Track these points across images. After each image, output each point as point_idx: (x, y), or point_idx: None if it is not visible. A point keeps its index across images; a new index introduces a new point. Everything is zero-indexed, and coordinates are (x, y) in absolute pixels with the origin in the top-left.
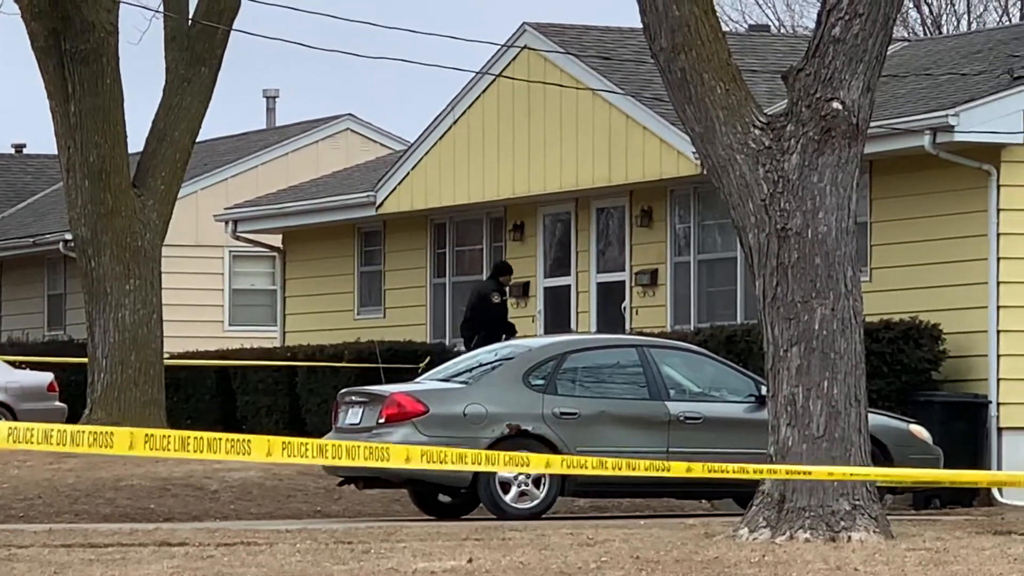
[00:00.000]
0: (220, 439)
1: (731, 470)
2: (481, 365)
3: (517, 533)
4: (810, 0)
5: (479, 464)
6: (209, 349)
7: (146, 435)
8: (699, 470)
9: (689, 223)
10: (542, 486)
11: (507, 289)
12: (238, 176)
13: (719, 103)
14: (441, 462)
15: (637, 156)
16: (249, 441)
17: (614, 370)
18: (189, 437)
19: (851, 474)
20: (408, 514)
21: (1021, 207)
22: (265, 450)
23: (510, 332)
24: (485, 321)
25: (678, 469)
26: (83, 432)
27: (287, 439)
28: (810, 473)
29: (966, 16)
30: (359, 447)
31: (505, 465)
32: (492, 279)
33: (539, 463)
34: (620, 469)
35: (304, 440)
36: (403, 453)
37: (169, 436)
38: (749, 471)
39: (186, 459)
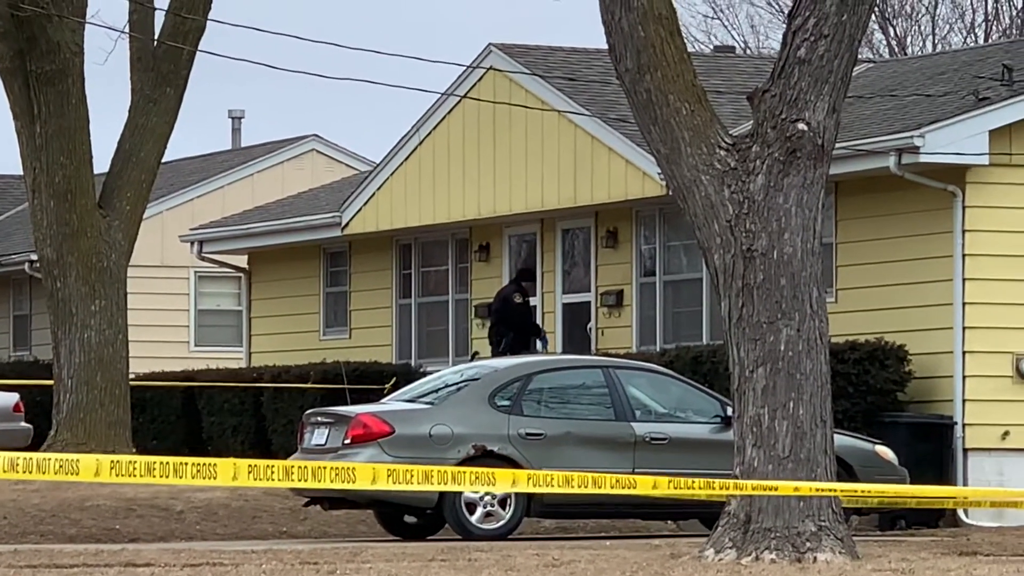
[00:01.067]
0: (186, 464)
1: (697, 486)
2: (447, 386)
3: (483, 554)
4: (775, 21)
5: (445, 483)
6: (175, 370)
7: (112, 461)
8: (665, 485)
9: (655, 244)
10: (508, 507)
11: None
12: (204, 197)
13: (684, 124)
14: (407, 482)
15: (603, 177)
16: (215, 465)
17: (580, 391)
18: (155, 462)
19: (817, 489)
20: (374, 535)
21: (986, 228)
22: (231, 474)
23: (537, 332)
24: (510, 323)
25: (644, 485)
26: (49, 460)
27: (253, 462)
28: (776, 488)
29: (931, 38)
30: (325, 468)
31: (471, 484)
32: (514, 283)
33: (505, 480)
34: (586, 486)
35: (270, 462)
36: (369, 473)
37: (135, 462)
38: (715, 486)
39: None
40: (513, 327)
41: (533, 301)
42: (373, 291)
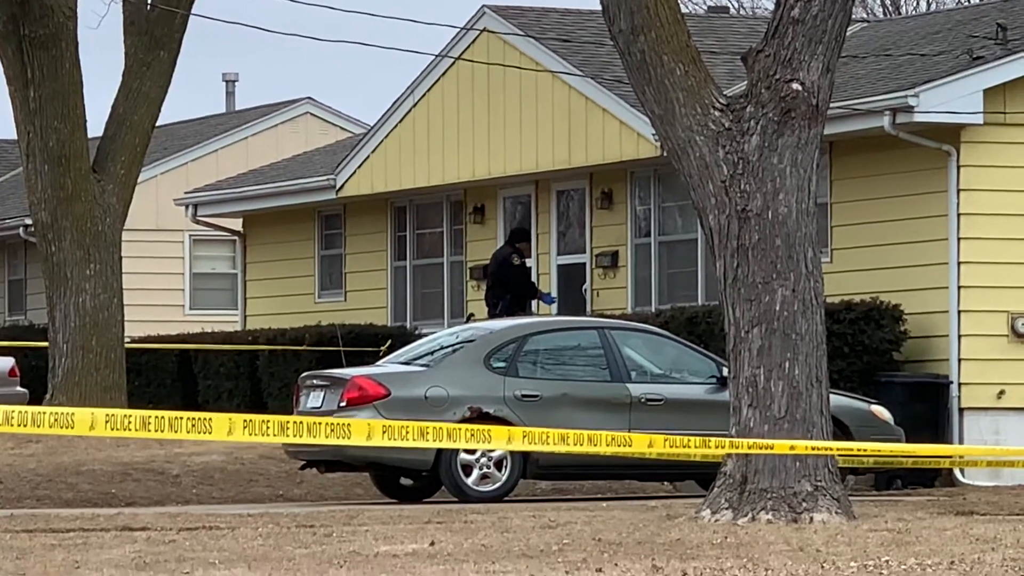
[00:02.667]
0: (181, 418)
1: (693, 444)
2: (442, 348)
3: (479, 516)
4: None
5: (441, 440)
6: (170, 333)
7: (107, 415)
8: (661, 444)
9: (649, 205)
10: (504, 468)
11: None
12: (198, 160)
13: (679, 85)
14: (403, 438)
15: (597, 138)
16: (210, 420)
17: (575, 352)
18: (151, 416)
19: (813, 447)
20: (370, 498)
21: (981, 187)
22: (226, 429)
23: (534, 293)
24: (507, 286)
25: (640, 443)
26: (44, 413)
27: (248, 417)
28: (772, 447)
29: None
30: (320, 423)
31: (467, 441)
32: (508, 244)
33: (501, 437)
34: (582, 444)
35: (265, 417)
36: (365, 429)
37: (130, 416)
38: (711, 445)
39: (148, 444)
40: (511, 289)
41: (529, 262)
42: (368, 254)
